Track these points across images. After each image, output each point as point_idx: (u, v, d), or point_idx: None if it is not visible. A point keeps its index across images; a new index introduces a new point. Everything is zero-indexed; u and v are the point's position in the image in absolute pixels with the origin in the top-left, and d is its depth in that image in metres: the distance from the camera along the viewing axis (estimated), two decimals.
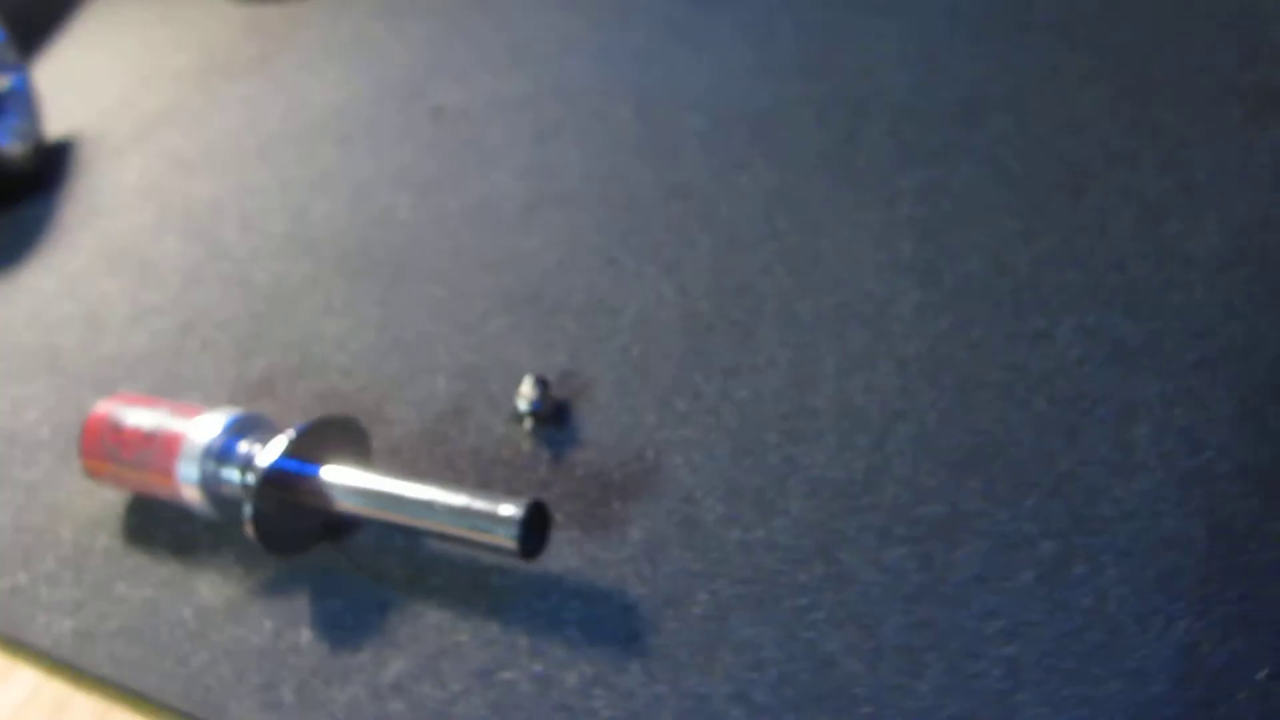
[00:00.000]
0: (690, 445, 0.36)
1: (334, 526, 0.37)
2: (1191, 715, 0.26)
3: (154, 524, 0.39)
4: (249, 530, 0.34)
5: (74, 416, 0.44)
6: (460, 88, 0.61)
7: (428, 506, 0.32)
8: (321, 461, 0.35)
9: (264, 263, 0.51)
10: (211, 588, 0.36)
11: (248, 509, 0.34)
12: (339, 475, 0.34)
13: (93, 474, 0.39)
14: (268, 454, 0.34)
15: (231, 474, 0.36)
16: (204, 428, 0.36)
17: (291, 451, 0.35)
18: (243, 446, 0.36)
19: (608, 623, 0.31)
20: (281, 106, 0.63)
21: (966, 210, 0.43)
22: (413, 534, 0.35)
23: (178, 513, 0.39)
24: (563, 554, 0.34)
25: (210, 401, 0.43)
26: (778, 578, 0.31)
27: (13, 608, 0.37)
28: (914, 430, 0.35)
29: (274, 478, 0.34)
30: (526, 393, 0.38)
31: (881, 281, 0.40)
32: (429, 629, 0.33)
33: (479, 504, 0.32)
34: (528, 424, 0.37)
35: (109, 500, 0.40)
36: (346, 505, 0.34)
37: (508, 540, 0.31)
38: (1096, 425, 0.34)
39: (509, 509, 0.31)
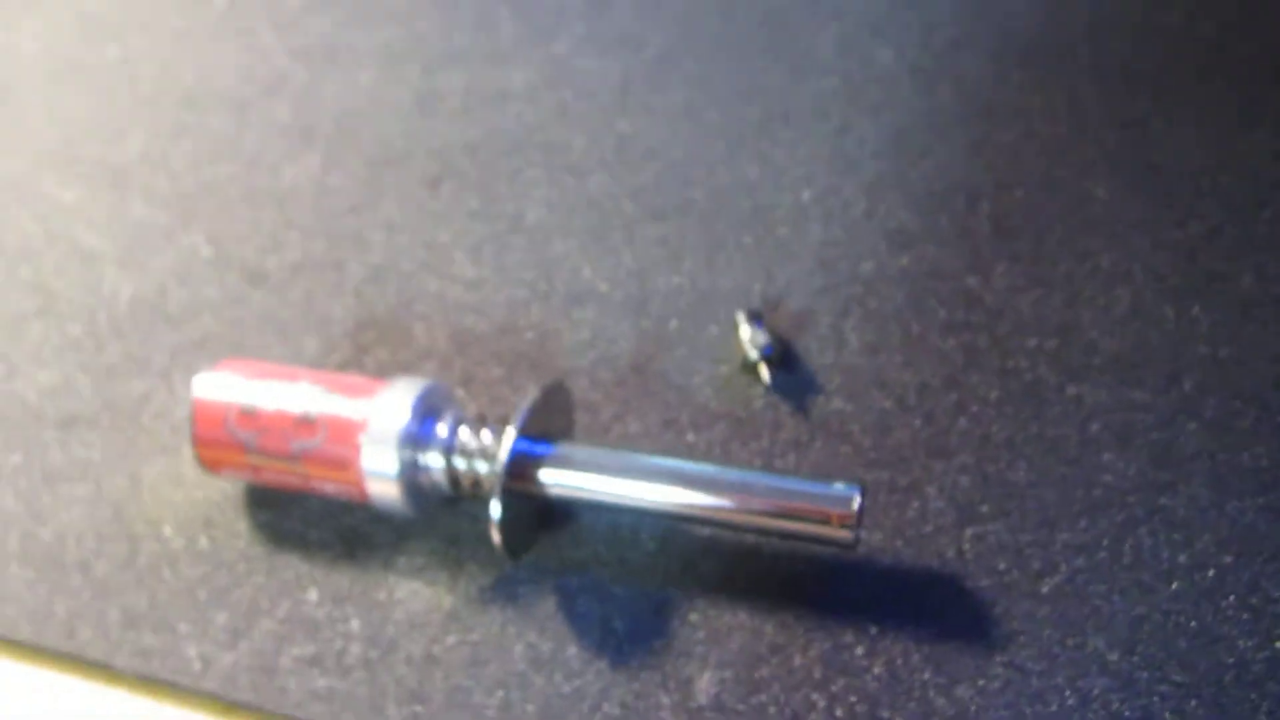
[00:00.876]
0: (955, 383, 0.34)
1: (548, 516, 0.33)
2: None
3: (297, 521, 0.33)
4: (495, 534, 0.30)
5: (102, 381, 0.37)
6: None
7: (731, 490, 0.29)
8: (547, 439, 0.31)
9: (288, 164, 0.43)
10: (416, 598, 0.32)
11: (495, 506, 0.29)
12: (602, 459, 0.30)
13: (211, 466, 0.33)
14: (508, 436, 0.30)
15: (433, 461, 0.31)
16: (388, 406, 0.31)
17: (535, 429, 0.30)
18: (440, 429, 0.31)
19: (945, 609, 0.30)
20: None
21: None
22: (677, 521, 0.31)
23: (327, 507, 0.33)
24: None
25: (299, 357, 0.37)
26: (1123, 537, 0.30)
27: (138, 642, 0.31)
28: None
29: (519, 465, 0.30)
30: (750, 335, 0.34)
31: (1143, 181, 0.38)
32: (730, 631, 0.30)
33: (800, 486, 0.29)
34: (765, 372, 0.34)
35: (212, 491, 0.34)
36: (610, 496, 0.30)
37: (841, 530, 0.28)
38: None
39: (847, 491, 0.28)
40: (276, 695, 0.30)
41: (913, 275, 0.36)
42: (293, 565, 0.33)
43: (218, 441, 0.32)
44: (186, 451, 0.35)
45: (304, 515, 0.34)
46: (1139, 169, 0.38)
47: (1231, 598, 0.29)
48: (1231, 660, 0.28)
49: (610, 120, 0.43)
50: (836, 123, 0.41)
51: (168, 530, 0.34)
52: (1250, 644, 0.28)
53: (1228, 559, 0.30)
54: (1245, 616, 0.29)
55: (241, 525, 0.34)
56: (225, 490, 0.34)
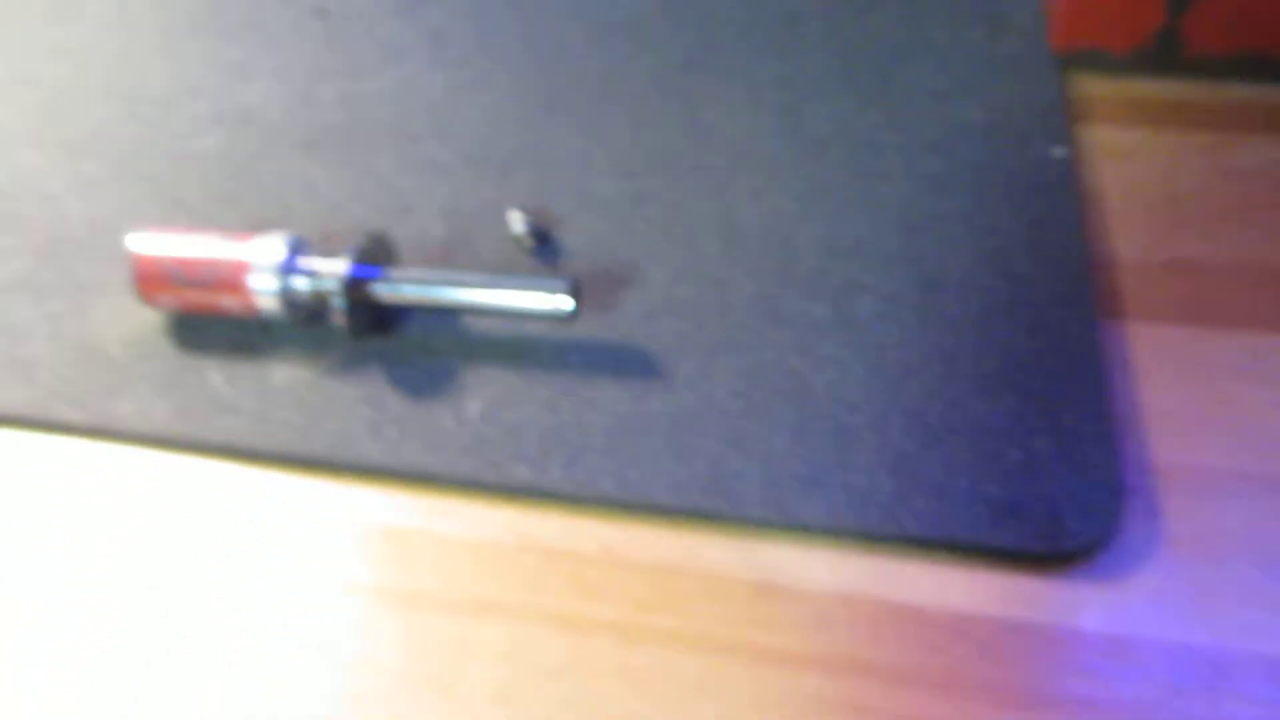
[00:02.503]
0: (651, 251, 0.53)
1: (382, 324, 0.51)
2: None
3: (204, 338, 0.50)
4: (339, 318, 0.47)
5: (61, 265, 0.54)
6: None
7: (492, 286, 0.47)
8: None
9: (202, 138, 0.62)
10: (288, 374, 0.49)
11: (338, 301, 0.47)
12: (410, 274, 0.48)
13: (146, 296, 0.50)
14: (345, 261, 0.48)
15: (300, 282, 0.49)
16: (268, 246, 0.49)
17: (360, 259, 0.48)
18: (304, 262, 0.49)
19: (631, 364, 0.48)
20: (142, 5, 0.73)
21: (817, 88, 0.63)
22: (466, 313, 0.49)
23: (226, 329, 0.50)
24: (581, 327, 0.50)
25: None
26: (743, 330, 0.49)
27: (87, 407, 0.48)
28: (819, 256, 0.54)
29: (357, 278, 0.48)
30: (518, 220, 0.53)
31: (782, 146, 0.59)
32: (494, 380, 0.48)
33: (535, 280, 0.47)
34: (528, 242, 0.53)
35: (141, 326, 0.51)
36: (419, 296, 0.48)
37: (561, 304, 0.47)
38: None
39: (561, 280, 0.47)
40: (188, 430, 0.47)
41: (627, 195, 0.56)
42: (201, 361, 0.50)
43: (153, 275, 0.50)
44: (123, 304, 0.52)
45: (209, 334, 0.51)
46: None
47: (819, 355, 0.48)
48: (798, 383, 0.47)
49: (441, 112, 0.63)
50: (592, 111, 0.62)
51: (111, 348, 0.51)
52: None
53: (819, 312, 0.49)
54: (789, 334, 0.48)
55: (165, 343, 0.51)
56: (152, 322, 0.51)
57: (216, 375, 0.49)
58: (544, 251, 0.53)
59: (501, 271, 0.52)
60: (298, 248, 0.49)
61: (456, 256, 0.53)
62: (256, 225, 0.56)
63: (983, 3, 0.68)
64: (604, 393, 0.47)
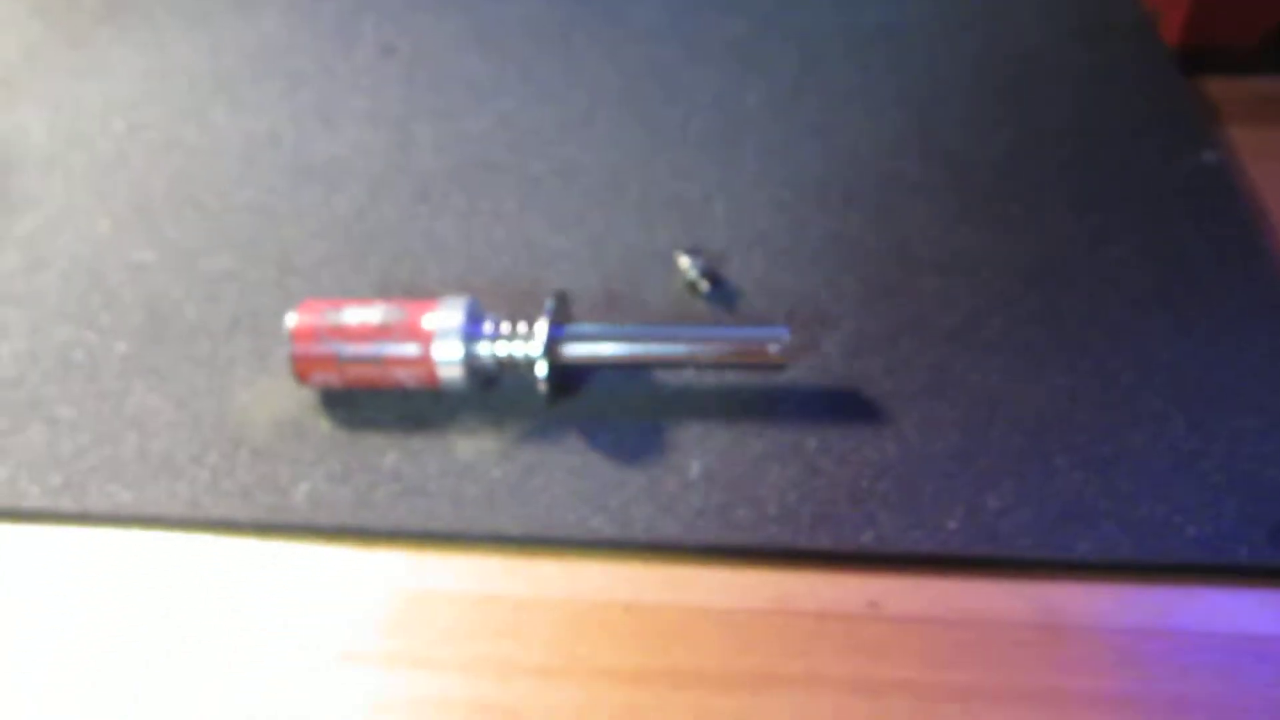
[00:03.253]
0: (831, 285, 0.50)
1: (566, 385, 0.47)
2: None
3: (368, 412, 0.45)
4: (541, 386, 0.43)
5: (175, 344, 0.49)
6: (398, 28, 0.69)
7: (707, 339, 0.44)
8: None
9: (295, 194, 0.57)
10: (473, 447, 0.44)
11: (541, 366, 0.43)
12: (614, 331, 0.44)
13: (303, 374, 0.45)
14: (544, 322, 0.44)
15: (482, 349, 0.45)
16: (447, 313, 0.45)
17: (555, 320, 0.44)
18: (486, 326, 0.45)
19: (849, 408, 0.45)
20: (187, 54, 0.68)
21: (941, 105, 0.61)
22: (662, 368, 0.46)
23: (389, 401, 0.46)
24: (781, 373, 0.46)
25: None
26: (954, 362, 0.47)
27: (256, 500, 0.43)
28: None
29: (555, 342, 0.44)
30: (688, 263, 0.50)
31: (928, 168, 0.57)
32: (705, 436, 0.44)
33: (751, 330, 0.44)
34: (703, 286, 0.49)
35: (291, 405, 0.46)
36: (628, 355, 0.44)
37: (777, 355, 0.43)
38: None
39: (779, 327, 0.43)
40: (376, 518, 0.42)
41: (785, 229, 0.53)
42: (372, 440, 0.45)
43: (312, 355, 0.45)
44: (262, 381, 0.47)
45: (373, 408, 0.46)
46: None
47: (1045, 383, 0.46)
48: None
49: (553, 150, 0.59)
50: (718, 140, 0.59)
51: (260, 433, 0.46)
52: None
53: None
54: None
55: (323, 422, 0.46)
56: (303, 400, 0.47)
57: (392, 454, 0.44)
58: (717, 294, 0.49)
59: (676, 319, 0.49)
60: (474, 311, 0.45)
61: (624, 306, 0.50)
62: (384, 286, 0.51)
63: (1078, 6, 0.67)
64: (830, 441, 0.44)
